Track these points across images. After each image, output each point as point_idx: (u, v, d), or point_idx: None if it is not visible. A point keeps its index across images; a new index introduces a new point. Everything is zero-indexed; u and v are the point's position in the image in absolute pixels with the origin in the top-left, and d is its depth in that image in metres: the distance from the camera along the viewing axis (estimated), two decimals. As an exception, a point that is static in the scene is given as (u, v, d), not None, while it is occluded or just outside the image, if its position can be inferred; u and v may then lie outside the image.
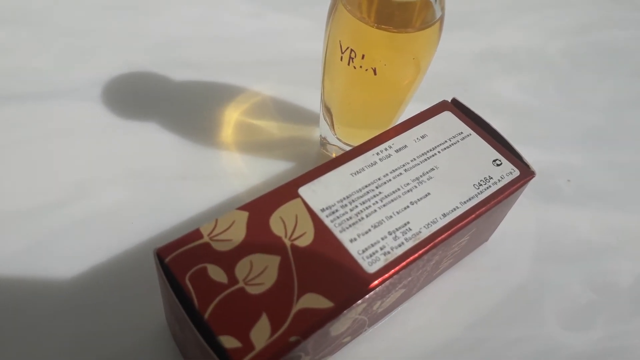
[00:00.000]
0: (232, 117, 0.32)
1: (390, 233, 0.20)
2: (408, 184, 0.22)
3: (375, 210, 0.21)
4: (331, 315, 0.18)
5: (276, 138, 0.32)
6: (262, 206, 0.20)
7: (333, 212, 0.20)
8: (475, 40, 0.41)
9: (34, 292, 0.24)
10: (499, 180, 0.23)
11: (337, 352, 0.24)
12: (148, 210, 0.28)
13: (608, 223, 0.31)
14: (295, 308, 0.18)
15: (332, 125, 0.28)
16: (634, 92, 0.39)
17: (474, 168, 0.23)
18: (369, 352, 0.24)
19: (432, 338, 0.25)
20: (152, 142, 0.31)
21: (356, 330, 0.22)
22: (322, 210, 0.20)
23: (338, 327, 0.19)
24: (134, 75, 0.34)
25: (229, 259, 0.19)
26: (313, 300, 0.18)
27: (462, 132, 0.24)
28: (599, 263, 0.29)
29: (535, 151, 0.34)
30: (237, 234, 0.19)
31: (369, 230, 0.20)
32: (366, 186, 0.21)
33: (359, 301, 0.19)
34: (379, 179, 0.22)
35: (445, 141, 0.24)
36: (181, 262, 0.18)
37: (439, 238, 0.20)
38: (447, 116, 0.25)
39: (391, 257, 0.20)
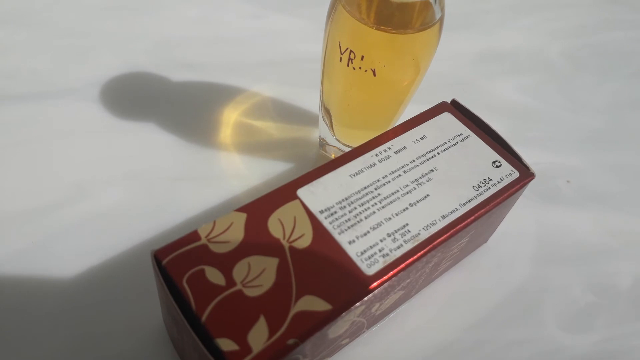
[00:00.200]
0: (231, 117, 0.32)
1: (389, 235, 0.20)
2: (407, 185, 0.22)
3: (374, 212, 0.21)
4: (329, 317, 0.18)
5: (275, 139, 0.32)
6: (260, 208, 0.20)
7: (332, 214, 0.20)
8: (476, 41, 0.41)
9: (32, 293, 0.24)
10: (499, 182, 0.22)
11: (335, 354, 0.23)
12: (147, 211, 0.28)
13: (608, 224, 0.31)
14: (293, 310, 0.18)
15: (331, 126, 0.28)
16: (633, 94, 0.39)
17: (473, 169, 0.23)
18: (367, 354, 0.24)
19: (431, 340, 0.25)
20: (151, 142, 0.30)
21: (355, 332, 0.22)
22: (321, 211, 0.20)
23: (336, 329, 0.19)
24: (133, 76, 0.34)
25: (226, 261, 0.18)
26: (311, 303, 0.18)
27: (461, 134, 0.24)
28: (599, 265, 0.29)
29: (535, 152, 0.34)
30: (235, 235, 0.19)
31: (368, 232, 0.20)
32: (365, 188, 0.21)
33: (357, 303, 0.18)
34: (378, 180, 0.22)
35: (445, 142, 0.24)
36: (179, 264, 0.18)
37: (438, 240, 0.20)
38: (447, 117, 0.25)
39: (390, 259, 0.19)
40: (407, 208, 0.21)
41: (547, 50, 0.41)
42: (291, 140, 0.32)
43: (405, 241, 0.20)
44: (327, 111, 0.28)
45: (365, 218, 0.20)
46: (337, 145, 0.29)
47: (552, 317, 0.27)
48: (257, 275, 0.18)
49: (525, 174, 0.23)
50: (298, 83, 0.34)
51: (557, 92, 0.38)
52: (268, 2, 0.40)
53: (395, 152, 0.23)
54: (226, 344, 0.17)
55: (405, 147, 0.23)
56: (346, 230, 0.20)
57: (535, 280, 0.28)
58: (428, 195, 0.22)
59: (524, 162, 0.23)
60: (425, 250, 0.20)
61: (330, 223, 0.20)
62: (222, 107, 0.33)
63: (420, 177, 0.22)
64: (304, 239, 0.19)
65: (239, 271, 0.18)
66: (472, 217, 0.21)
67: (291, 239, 0.19)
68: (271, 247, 0.19)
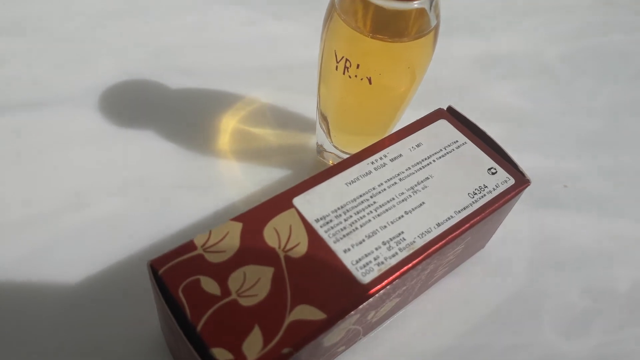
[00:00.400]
0: (229, 124, 0.32)
1: (384, 243, 0.20)
2: (402, 193, 0.22)
3: (369, 220, 0.21)
4: (324, 326, 0.18)
5: (273, 145, 0.32)
6: (256, 217, 0.20)
7: (327, 222, 0.20)
8: (473, 45, 0.41)
9: (30, 300, 0.24)
10: (494, 189, 0.23)
11: (332, 361, 0.24)
12: (145, 219, 0.28)
13: (605, 229, 0.31)
14: (288, 320, 0.18)
15: (328, 133, 0.28)
16: (631, 97, 0.39)
17: (468, 177, 0.23)
18: (364, 361, 0.24)
19: (427, 346, 0.25)
20: (149, 150, 0.31)
21: (351, 340, 0.22)
22: (317, 220, 0.20)
23: (331, 337, 0.19)
24: (131, 83, 0.34)
25: (222, 271, 0.19)
26: (306, 312, 0.18)
27: (457, 141, 0.24)
28: (596, 269, 0.29)
29: (533, 157, 0.34)
30: (231, 245, 0.19)
31: (363, 240, 0.20)
32: (361, 196, 0.21)
33: (352, 312, 0.19)
34: (374, 188, 0.22)
35: (441, 150, 0.24)
36: (175, 273, 0.18)
37: (433, 248, 0.20)
38: (443, 124, 0.25)
39: (385, 268, 0.20)
40: (402, 216, 0.21)
41: (545, 53, 0.41)
42: (289, 147, 0.32)
43: (400, 249, 0.20)
44: (324, 118, 0.28)
45: (361, 226, 0.21)
46: (334, 152, 0.29)
47: (549, 322, 0.27)
48: (253, 284, 0.18)
49: (521, 181, 0.23)
50: (296, 89, 0.34)
51: (554, 96, 0.38)
52: (266, 8, 0.40)
53: (391, 160, 0.23)
54: (221, 354, 0.17)
55: (401, 155, 0.23)
56: (341, 238, 0.20)
57: (532, 285, 0.28)
58: (423, 202, 0.22)
59: (520, 169, 0.23)
60: (420, 258, 0.20)
61: (326, 232, 0.20)
62: (220, 114, 0.33)
63: (415, 185, 0.22)
64: (300, 248, 0.20)
65: (234, 281, 0.18)
66: (468, 225, 0.21)
67: (287, 248, 0.19)
68: (266, 257, 0.19)
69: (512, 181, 0.23)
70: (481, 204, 0.22)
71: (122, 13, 0.38)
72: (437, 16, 0.23)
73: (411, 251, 0.20)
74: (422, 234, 0.21)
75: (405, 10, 0.22)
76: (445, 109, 0.26)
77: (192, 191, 0.29)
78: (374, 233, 0.20)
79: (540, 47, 0.42)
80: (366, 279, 0.19)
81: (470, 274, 0.28)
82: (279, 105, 0.34)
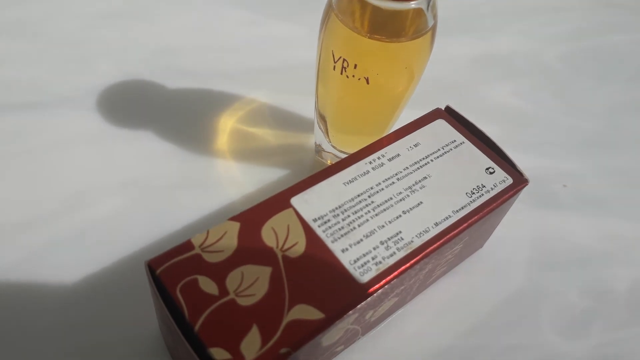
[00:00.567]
0: (227, 124, 0.32)
1: (382, 243, 0.20)
2: (400, 193, 0.22)
3: (367, 220, 0.21)
4: (322, 326, 0.18)
5: (272, 145, 0.32)
6: (253, 217, 0.20)
7: (325, 222, 0.20)
8: (472, 45, 0.41)
9: (29, 301, 0.24)
10: (492, 189, 0.23)
11: (331, 361, 0.24)
12: (144, 219, 0.28)
13: (604, 229, 0.31)
14: (286, 319, 0.18)
15: (326, 133, 0.29)
16: (630, 97, 0.39)
17: (466, 176, 0.23)
18: (363, 361, 0.24)
19: (426, 346, 0.25)
20: (147, 150, 0.31)
21: (349, 339, 0.22)
22: (314, 220, 0.20)
23: (330, 337, 0.19)
24: (130, 84, 0.34)
25: (220, 271, 0.19)
26: (304, 312, 0.18)
27: (455, 140, 0.24)
28: (595, 269, 0.29)
29: (531, 157, 0.34)
30: (229, 244, 0.19)
31: (361, 240, 0.20)
32: (358, 195, 0.22)
33: (351, 312, 0.19)
34: (372, 188, 0.22)
35: (438, 149, 0.24)
36: (172, 273, 0.18)
37: (431, 247, 0.20)
38: (441, 124, 0.25)
39: (383, 267, 0.20)
40: (400, 216, 0.21)
41: (544, 54, 0.41)
42: (287, 147, 0.32)
43: (398, 249, 0.20)
44: (322, 118, 0.28)
45: (359, 226, 0.21)
46: (332, 152, 0.29)
47: (549, 323, 0.27)
48: (250, 284, 0.18)
49: (519, 180, 0.23)
50: (294, 89, 0.34)
51: (553, 96, 0.38)
52: (264, 8, 0.40)
53: (389, 160, 0.23)
54: (219, 353, 0.17)
55: (398, 155, 0.23)
56: (339, 238, 0.20)
57: (531, 285, 0.28)
58: (421, 202, 0.22)
59: (518, 169, 0.23)
60: (418, 257, 0.20)
61: (324, 231, 0.20)
62: (219, 114, 0.33)
63: (413, 185, 0.22)
64: (297, 248, 0.20)
65: (232, 280, 0.18)
66: (465, 224, 0.21)
67: (284, 248, 0.19)
68: (264, 256, 0.19)
69: (510, 181, 0.23)
70: (479, 204, 0.22)
71: (121, 14, 0.38)
72: (435, 16, 0.23)
73: (409, 251, 0.20)
74: (420, 233, 0.21)
75: (403, 10, 0.22)
76: (443, 108, 0.26)
77: (191, 191, 0.29)
78: (372, 232, 0.20)
79: (539, 47, 0.42)
80: (364, 279, 0.19)
81: (469, 273, 0.28)
82: (278, 105, 0.34)
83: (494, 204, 0.22)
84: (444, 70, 0.38)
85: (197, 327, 0.17)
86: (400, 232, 0.21)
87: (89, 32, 0.37)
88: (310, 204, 0.21)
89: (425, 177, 0.22)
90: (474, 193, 0.22)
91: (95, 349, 0.23)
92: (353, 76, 0.23)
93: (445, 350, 0.25)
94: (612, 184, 0.33)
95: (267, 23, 0.39)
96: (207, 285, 0.18)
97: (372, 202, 0.21)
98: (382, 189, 0.22)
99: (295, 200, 0.21)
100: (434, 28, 0.23)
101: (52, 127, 0.31)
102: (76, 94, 0.33)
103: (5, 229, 0.27)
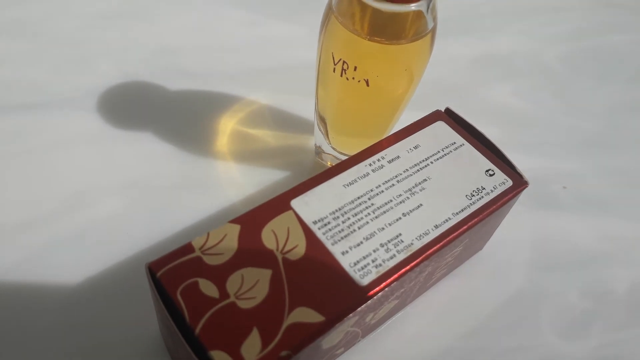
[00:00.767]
0: (227, 126, 0.32)
1: (382, 245, 0.20)
2: (400, 195, 0.22)
3: (367, 222, 0.21)
4: (322, 329, 0.18)
5: (272, 147, 0.32)
6: (254, 219, 0.20)
7: (325, 225, 0.20)
8: (471, 45, 0.41)
9: (29, 301, 0.24)
10: (492, 191, 0.23)
11: (331, 363, 0.24)
12: (144, 220, 0.28)
13: (604, 230, 0.31)
14: (286, 322, 0.18)
15: (326, 134, 0.29)
16: (630, 98, 0.39)
17: (466, 178, 0.23)
18: (363, 363, 0.24)
19: (426, 348, 0.25)
20: (148, 151, 0.31)
21: (349, 342, 0.22)
22: (315, 222, 0.20)
23: (330, 340, 0.19)
24: (130, 85, 0.34)
25: (220, 273, 0.19)
26: (304, 315, 0.18)
27: (455, 142, 0.24)
28: (595, 270, 0.29)
29: (531, 157, 0.34)
30: (229, 247, 0.19)
31: (361, 242, 0.20)
32: (358, 198, 0.22)
33: (351, 315, 0.19)
34: (372, 190, 0.22)
35: (438, 151, 0.24)
36: (173, 276, 0.18)
37: (431, 250, 0.20)
38: (441, 126, 0.25)
39: (383, 270, 0.20)
40: (400, 218, 0.21)
41: (544, 54, 0.41)
42: (287, 148, 0.32)
43: (398, 251, 0.20)
44: (322, 120, 0.28)
45: (359, 228, 0.21)
46: (332, 153, 0.29)
47: (549, 324, 0.27)
48: (251, 287, 0.18)
49: (519, 183, 0.23)
50: (295, 91, 0.34)
51: (553, 97, 0.38)
52: (264, 9, 0.40)
53: (389, 162, 0.23)
54: (220, 356, 0.17)
55: (398, 157, 0.23)
56: (339, 240, 0.20)
57: (531, 286, 0.28)
58: (421, 204, 0.22)
59: (518, 171, 0.23)
60: (418, 260, 0.20)
61: (324, 234, 0.20)
62: (219, 116, 0.33)
63: (413, 187, 0.22)
64: (298, 250, 0.20)
65: (233, 283, 0.18)
66: (465, 227, 0.21)
67: (284, 250, 0.19)
68: (264, 259, 0.19)
69: (509, 183, 0.23)
70: (479, 206, 0.22)
71: (121, 14, 0.38)
72: (435, 18, 0.23)
73: (409, 253, 0.20)
74: (420, 235, 0.21)
75: (403, 12, 0.22)
76: (443, 110, 0.26)
77: (191, 192, 0.29)
78: (372, 235, 0.20)
79: (539, 47, 0.42)
80: (364, 281, 0.19)
81: (469, 275, 0.28)
82: (278, 106, 0.34)
83: (494, 206, 0.22)
84: (444, 71, 0.38)
85: (197, 330, 0.17)
86: (400, 234, 0.21)
87: (89, 32, 0.37)
88: (311, 206, 0.21)
89: (425, 179, 0.22)
90: (473, 195, 0.22)
91: (95, 350, 0.23)
92: (353, 78, 0.23)
93: (446, 353, 0.25)
94: (612, 184, 0.33)
95: (267, 23, 0.39)
96: (208, 288, 0.18)
97: (372, 204, 0.21)
98: (382, 191, 0.22)
99: (295, 203, 0.21)
100: (433, 30, 0.23)
101: (52, 127, 0.31)
102: (76, 94, 0.33)
103: (5, 229, 0.27)
